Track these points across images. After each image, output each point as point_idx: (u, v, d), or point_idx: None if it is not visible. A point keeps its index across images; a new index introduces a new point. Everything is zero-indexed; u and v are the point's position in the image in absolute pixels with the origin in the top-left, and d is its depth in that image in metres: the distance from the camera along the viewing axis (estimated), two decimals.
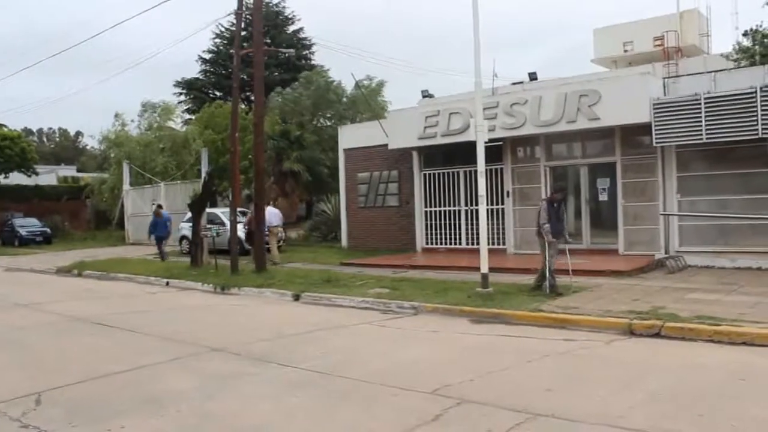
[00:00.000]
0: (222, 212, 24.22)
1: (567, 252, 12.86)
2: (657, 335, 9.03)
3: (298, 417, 6.11)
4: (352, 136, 24.65)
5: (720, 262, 15.40)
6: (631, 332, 9.21)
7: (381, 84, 38.94)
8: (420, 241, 21.56)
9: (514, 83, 22.46)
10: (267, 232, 18.76)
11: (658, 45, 29.16)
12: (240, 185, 21.85)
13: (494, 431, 5.49)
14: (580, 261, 16.11)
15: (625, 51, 31.10)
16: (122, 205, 35.80)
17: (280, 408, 6.35)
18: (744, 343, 8.39)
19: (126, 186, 35.14)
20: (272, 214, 20.54)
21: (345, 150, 24.54)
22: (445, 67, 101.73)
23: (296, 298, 13.63)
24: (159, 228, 22.83)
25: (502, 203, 19.50)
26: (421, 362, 8.03)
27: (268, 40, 41.62)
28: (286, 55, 38.04)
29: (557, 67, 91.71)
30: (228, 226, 19.46)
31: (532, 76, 22.37)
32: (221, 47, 47.77)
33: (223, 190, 31.28)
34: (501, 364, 7.77)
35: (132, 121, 38.83)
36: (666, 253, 16.34)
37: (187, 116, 47.03)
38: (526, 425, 5.61)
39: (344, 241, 24.50)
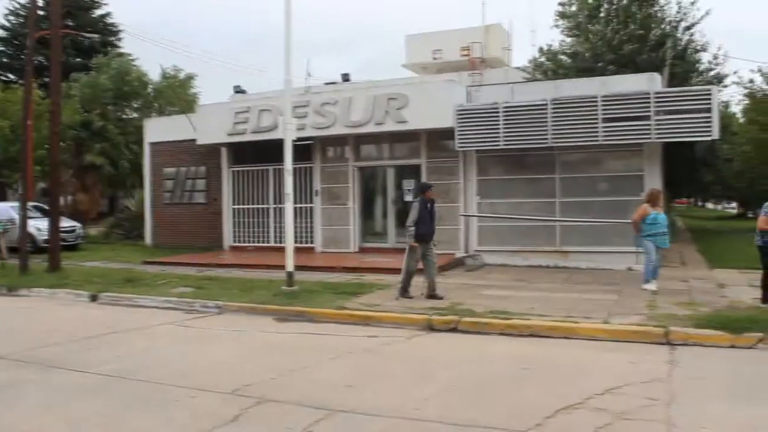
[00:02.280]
0: (12, 206, 22.32)
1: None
2: (454, 330, 9.46)
3: (85, 426, 5.71)
4: (158, 130, 23.68)
5: (515, 261, 16.45)
6: (430, 328, 9.57)
7: (191, 76, 37.71)
8: (228, 239, 21.14)
9: (327, 83, 22.67)
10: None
11: (465, 55, 30.47)
12: (33, 177, 20.26)
13: (293, 429, 5.46)
14: (386, 259, 16.58)
15: (435, 58, 32.22)
16: None
17: (66, 417, 5.90)
18: (531, 335, 9.01)
19: None
20: None
21: (151, 144, 23.52)
22: (266, 64, 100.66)
23: (93, 298, 12.81)
24: None
25: (311, 202, 19.58)
26: (222, 362, 7.85)
27: (70, 22, 38.95)
28: (89, 39, 35.71)
29: (373, 70, 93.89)
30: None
31: (345, 78, 22.69)
32: (16, 26, 44.01)
33: (14, 183, 28.83)
34: (303, 362, 7.77)
35: None
36: (466, 252, 17.19)
37: None
38: (325, 422, 5.64)
39: (149, 239, 23.49)
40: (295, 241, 12.94)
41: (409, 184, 18.63)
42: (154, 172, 23.33)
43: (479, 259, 16.42)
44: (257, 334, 9.55)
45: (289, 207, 12.59)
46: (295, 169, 13.26)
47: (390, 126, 17.38)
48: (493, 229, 17.18)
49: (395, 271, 14.80)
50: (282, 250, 12.76)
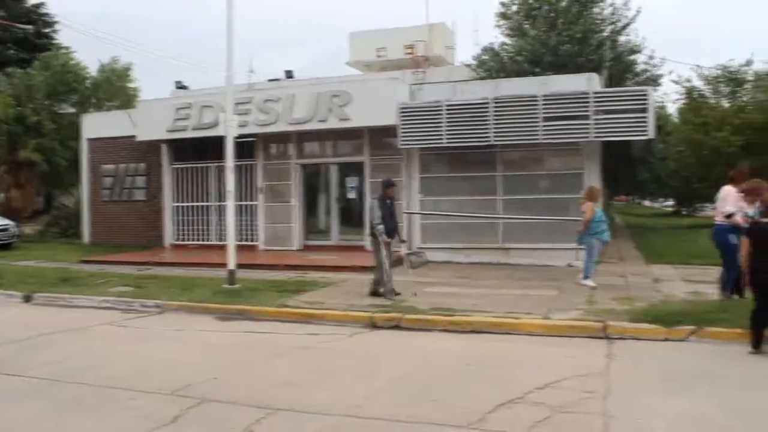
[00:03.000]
0: None
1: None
2: (397, 327, 9.49)
3: None
4: (97, 126, 23.11)
5: (457, 258, 16.58)
6: (373, 325, 9.58)
7: (128, 68, 36.75)
8: (169, 237, 20.79)
9: (270, 80, 22.51)
10: None
11: (409, 53, 30.58)
12: None
13: (235, 429, 5.41)
14: (330, 257, 16.58)
15: (379, 56, 32.25)
16: None
17: (0, 423, 5.75)
18: (473, 331, 9.10)
19: None
20: None
21: (89, 140, 22.94)
22: (211, 62, 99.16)
23: (27, 299, 12.41)
24: None
25: (254, 199, 19.40)
26: (162, 363, 7.71)
27: (2, 13, 37.71)
28: (22, 31, 34.57)
29: (318, 68, 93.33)
30: None
31: (289, 75, 22.57)
32: None
33: None
34: (245, 360, 7.71)
35: None
36: (409, 249, 17.23)
37: None
38: (266, 420, 5.60)
39: (87, 237, 22.92)
40: (238, 239, 12.83)
41: (352, 182, 18.64)
42: (93, 168, 22.77)
43: (423, 256, 16.50)
44: (198, 333, 9.41)
45: (230, 204, 12.45)
46: (237, 167, 13.14)
47: (333, 123, 17.33)
48: (436, 227, 17.29)
49: (338, 268, 14.88)
50: (224, 248, 12.61)
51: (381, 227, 11.34)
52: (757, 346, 7.74)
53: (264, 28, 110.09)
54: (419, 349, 8.35)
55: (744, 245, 8.03)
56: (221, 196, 19.14)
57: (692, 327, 8.58)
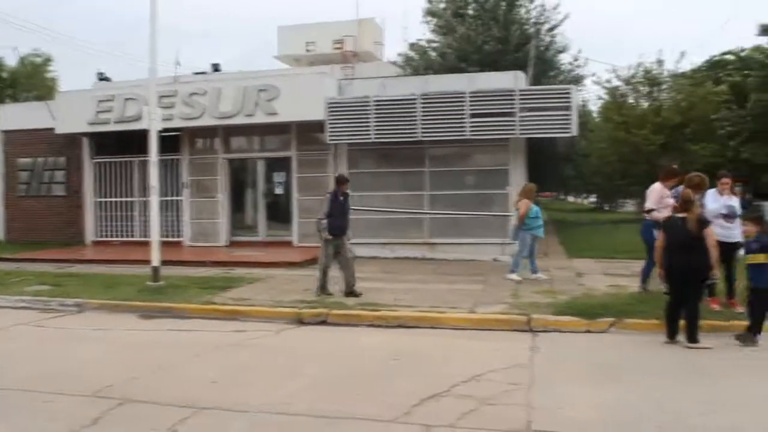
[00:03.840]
0: None
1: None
2: (324, 323, 9.45)
3: None
4: (13, 117, 22.16)
5: (384, 253, 16.62)
6: (300, 321, 9.52)
7: (48, 59, 35.53)
8: (90, 234, 20.17)
9: (196, 73, 22.08)
10: None
11: (338, 48, 30.52)
12: None
13: (157, 429, 5.29)
14: (257, 253, 16.40)
15: (308, 51, 32.06)
16: None
17: None
18: (399, 326, 9.15)
19: None
20: None
21: (4, 132, 22.01)
22: (139, 54, 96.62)
23: None
24: None
25: (179, 195, 19.01)
26: (82, 363, 7.47)
27: None
28: None
29: (247, 61, 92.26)
30: None
31: (216, 68, 22.20)
32: None
33: None
34: (169, 359, 7.53)
35: None
36: None
37: None
38: (190, 420, 5.50)
39: (1, 235, 22.02)
40: (163, 235, 12.58)
41: (279, 177, 18.48)
42: (8, 162, 21.86)
43: (350, 252, 16.47)
44: (120, 332, 9.15)
45: (154, 200, 12.16)
46: (162, 161, 12.85)
47: (260, 118, 17.12)
48: (363, 222, 17.25)
49: (266, 264, 14.74)
50: (148, 244, 12.33)
51: (324, 222, 10.96)
52: (671, 336, 8.03)
53: (192, 21, 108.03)
54: (346, 345, 8.35)
55: (659, 240, 8.30)
56: (145, 191, 18.71)
57: (612, 319, 8.85)
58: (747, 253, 8.07)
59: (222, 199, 18.70)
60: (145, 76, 14.08)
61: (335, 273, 11.28)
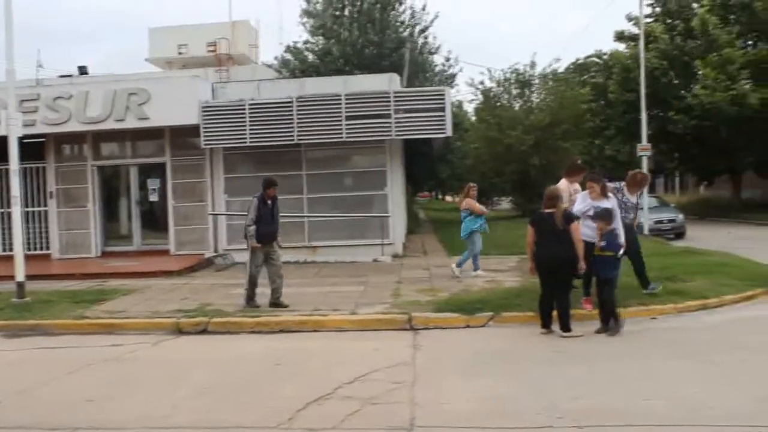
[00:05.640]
0: None
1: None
2: (204, 332, 9.23)
3: None
4: None
5: None
6: (179, 331, 9.25)
7: None
8: None
9: (61, 76, 21.03)
10: None
11: (212, 51, 29.97)
12: None
13: None
14: (132, 263, 15.83)
15: (180, 53, 31.30)
16: None
17: None
18: (281, 331, 9.10)
19: None
20: None
21: None
22: None
23: None
24: None
25: (46, 205, 18.02)
26: None
27: None
28: None
29: (116, 64, 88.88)
30: None
31: (83, 71, 21.31)
32: None
33: None
34: (37, 379, 7.11)
35: None
36: (215, 251, 16.88)
37: None
38: None
39: None
40: (28, 248, 11.90)
41: (153, 184, 17.88)
42: None
43: (229, 258, 16.22)
44: None
45: (16, 211, 11.44)
46: (24, 170, 12.17)
47: (132, 122, 16.48)
48: (240, 227, 16.94)
49: (142, 274, 14.24)
50: (12, 258, 11.62)
51: (252, 229, 10.31)
52: (546, 326, 8.38)
53: (56, 21, 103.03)
54: (228, 353, 8.20)
55: (529, 233, 8.63)
56: (6, 201, 17.61)
57: (490, 313, 9.15)
58: (597, 249, 8.51)
59: (93, 208, 17.84)
60: (3, 79, 13.26)
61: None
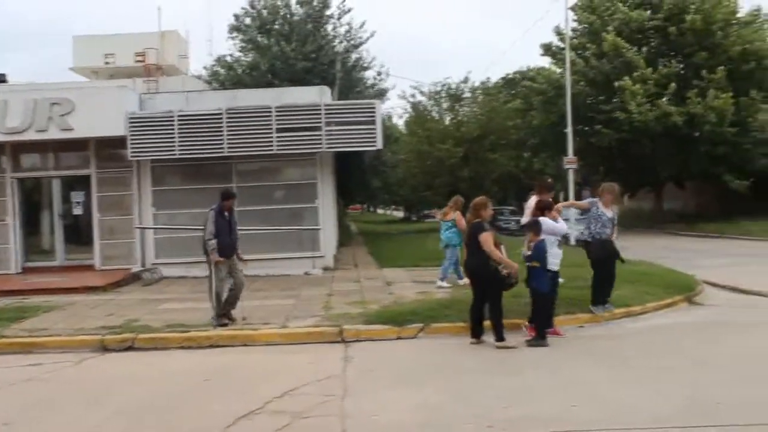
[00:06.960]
0: None
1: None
2: (131, 348, 9.00)
3: None
4: None
5: (194, 272, 16.02)
6: (104, 348, 8.99)
7: None
8: None
9: None
10: None
11: (140, 61, 29.48)
12: None
13: None
14: (55, 279, 15.31)
15: (107, 63, 30.68)
16: None
17: None
18: (211, 346, 8.96)
19: None
20: None
21: None
22: None
23: None
24: None
25: None
26: None
27: None
28: None
29: (39, 73, 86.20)
30: None
31: (1, 78, 20.59)
32: None
33: None
34: None
35: None
36: (143, 265, 16.49)
37: None
38: None
39: None
40: None
41: (77, 196, 17.32)
42: None
43: (157, 273, 15.87)
44: None
45: None
46: None
47: (54, 133, 15.96)
48: (170, 241, 16.69)
49: (65, 290, 13.80)
50: None
51: (213, 242, 9.78)
52: (476, 336, 8.49)
53: None
54: (155, 370, 8.01)
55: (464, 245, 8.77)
56: None
57: (421, 325, 9.23)
58: (525, 260, 8.65)
59: (12, 222, 17.17)
60: None
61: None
